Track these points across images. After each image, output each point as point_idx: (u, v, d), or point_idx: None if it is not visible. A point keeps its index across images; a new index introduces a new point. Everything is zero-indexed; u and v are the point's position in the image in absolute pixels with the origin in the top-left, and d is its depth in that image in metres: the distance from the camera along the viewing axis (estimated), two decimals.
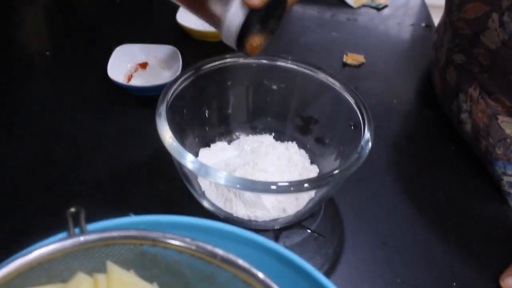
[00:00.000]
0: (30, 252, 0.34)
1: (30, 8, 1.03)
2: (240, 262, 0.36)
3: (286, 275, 0.39)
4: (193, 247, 0.37)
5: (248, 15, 0.48)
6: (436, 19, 1.10)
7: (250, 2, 0.47)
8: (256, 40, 0.50)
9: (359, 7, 1.14)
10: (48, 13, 1.04)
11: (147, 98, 0.77)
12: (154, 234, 0.37)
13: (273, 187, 0.48)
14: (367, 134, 0.55)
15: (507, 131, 0.67)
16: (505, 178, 0.68)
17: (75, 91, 0.80)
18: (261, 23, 0.49)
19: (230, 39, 0.50)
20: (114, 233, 0.37)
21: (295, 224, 0.61)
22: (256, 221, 0.58)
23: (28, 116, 0.74)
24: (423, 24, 1.10)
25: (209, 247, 0.37)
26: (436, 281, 0.57)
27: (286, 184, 0.49)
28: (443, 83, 0.80)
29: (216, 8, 0.49)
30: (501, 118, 0.68)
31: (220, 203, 0.59)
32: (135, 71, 0.82)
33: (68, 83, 0.82)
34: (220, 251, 0.37)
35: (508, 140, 0.67)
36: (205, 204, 0.59)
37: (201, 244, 0.37)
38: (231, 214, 0.58)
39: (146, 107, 0.76)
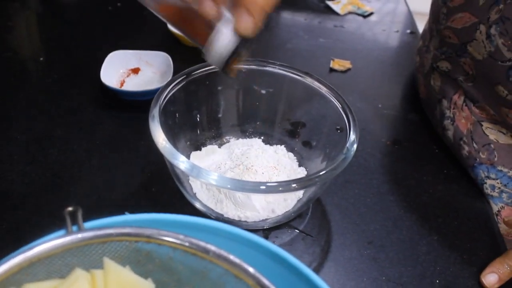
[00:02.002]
0: (31, 248, 0.36)
1: (23, 14, 1.04)
2: (232, 257, 0.38)
3: (276, 271, 0.41)
4: (187, 244, 0.39)
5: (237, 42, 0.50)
6: (420, 25, 1.12)
7: (244, 32, 0.49)
8: (238, 63, 0.53)
9: (345, 14, 1.16)
10: (40, 19, 1.05)
11: (139, 102, 0.79)
12: (148, 231, 0.39)
13: (263, 187, 0.50)
14: (352, 136, 0.57)
15: (491, 137, 0.69)
16: (488, 182, 0.70)
17: (69, 96, 0.81)
18: (245, 48, 0.52)
19: (217, 62, 0.52)
20: (111, 230, 0.38)
21: (283, 224, 0.63)
22: (246, 221, 0.60)
23: (23, 120, 0.75)
24: (408, 31, 1.12)
25: (202, 243, 0.38)
26: (420, 278, 0.59)
27: (275, 184, 0.50)
28: (427, 88, 0.82)
29: (202, 29, 0.51)
30: (485, 124, 0.70)
31: (211, 204, 0.61)
32: (128, 76, 0.84)
33: (62, 87, 0.83)
34: (212, 247, 0.38)
35: (492, 146, 0.69)
36: (197, 205, 0.61)
37: (194, 240, 0.38)
38: (222, 215, 0.60)
39: (138, 111, 0.77)
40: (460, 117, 0.73)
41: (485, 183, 0.70)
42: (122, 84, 0.82)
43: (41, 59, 0.91)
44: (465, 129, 0.72)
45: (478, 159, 0.70)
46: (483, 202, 0.70)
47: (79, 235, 0.38)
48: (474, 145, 0.71)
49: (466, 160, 0.73)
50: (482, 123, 0.70)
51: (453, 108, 0.74)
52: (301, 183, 0.51)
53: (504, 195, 0.69)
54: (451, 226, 0.66)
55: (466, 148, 0.72)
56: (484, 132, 0.70)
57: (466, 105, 0.72)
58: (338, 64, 0.96)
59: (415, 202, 0.69)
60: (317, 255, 0.60)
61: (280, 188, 0.50)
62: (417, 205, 0.68)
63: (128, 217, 0.42)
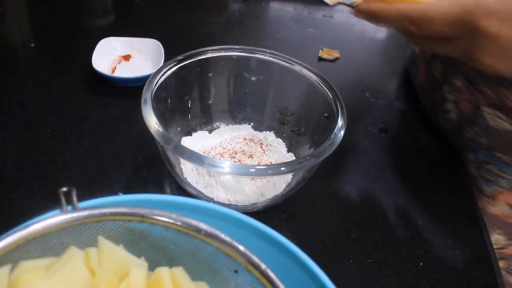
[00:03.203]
0: (27, 226, 0.37)
1: (13, 1, 1.04)
2: (223, 236, 0.39)
3: (265, 249, 0.42)
4: (179, 223, 0.39)
5: None
6: None
7: None
8: None
9: (335, 5, 1.18)
10: (30, 6, 1.05)
11: (131, 89, 0.80)
12: (142, 211, 0.39)
13: (252, 170, 0.51)
14: (340, 122, 0.58)
15: (490, 122, 0.69)
16: (487, 167, 0.71)
17: (61, 82, 0.82)
18: None
19: None
20: (105, 210, 0.39)
21: (272, 207, 0.64)
22: (236, 205, 0.61)
23: (15, 106, 0.75)
24: None
25: (194, 222, 0.39)
26: (405, 261, 0.60)
27: (264, 167, 0.52)
28: (428, 74, 0.82)
29: None
30: (485, 109, 0.69)
31: (201, 188, 0.62)
32: (119, 63, 0.84)
33: (54, 73, 0.84)
34: (204, 226, 0.39)
35: (490, 130, 0.69)
36: (187, 189, 0.62)
37: (186, 219, 0.39)
38: (212, 199, 0.61)
39: (129, 98, 0.78)
40: (462, 99, 0.73)
41: (482, 167, 0.71)
42: (113, 71, 0.83)
43: (32, 45, 0.91)
44: (468, 111, 0.72)
45: (478, 143, 0.71)
46: (465, 186, 0.72)
47: (74, 214, 0.38)
48: (476, 128, 0.71)
49: (468, 142, 0.73)
50: (483, 107, 0.70)
51: (456, 91, 0.74)
52: (289, 166, 0.52)
53: (501, 180, 0.71)
54: (435, 212, 0.68)
55: (469, 129, 0.72)
56: (483, 116, 0.70)
57: (467, 88, 0.72)
58: (327, 53, 0.97)
59: (400, 188, 0.70)
60: (305, 238, 0.61)
61: (269, 171, 0.51)
62: (403, 191, 0.70)
63: (122, 197, 0.43)
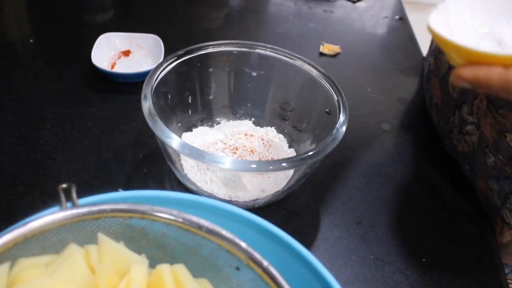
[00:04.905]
0: (26, 223, 0.36)
1: None
2: (224, 232, 0.39)
3: (267, 246, 0.42)
4: (180, 220, 0.39)
5: None
6: (410, 14, 1.13)
7: None
8: None
9: (335, 0, 1.17)
10: (29, 1, 1.04)
11: (130, 84, 0.79)
12: (142, 207, 0.39)
13: (253, 165, 0.51)
14: (342, 118, 0.58)
15: None
16: None
17: (60, 77, 0.81)
18: None
19: None
20: (105, 206, 0.39)
21: (273, 204, 0.64)
22: (237, 201, 0.61)
23: (14, 102, 0.75)
24: (397, 17, 1.13)
25: (195, 219, 0.39)
26: (407, 257, 0.60)
27: (266, 163, 0.51)
28: (443, 94, 0.75)
29: None
30: (509, 136, 0.62)
31: (202, 184, 0.61)
32: (118, 58, 0.84)
33: (53, 69, 0.83)
34: (205, 223, 0.39)
35: None
36: (188, 185, 0.61)
37: (187, 216, 0.39)
38: (213, 195, 0.61)
39: (129, 94, 0.78)
40: (486, 124, 0.65)
41: (510, 197, 0.64)
42: (113, 66, 0.82)
43: (31, 41, 0.91)
44: (490, 137, 0.65)
45: (504, 172, 0.63)
46: (467, 187, 0.71)
47: (74, 211, 0.38)
48: (500, 156, 0.63)
49: (490, 169, 0.66)
50: (507, 134, 0.62)
51: (476, 114, 0.67)
52: (291, 162, 0.52)
53: None
54: (436, 208, 0.67)
55: (492, 157, 0.65)
56: (509, 144, 0.62)
57: (489, 111, 0.64)
58: (328, 48, 0.96)
59: (402, 184, 0.70)
60: (307, 235, 0.61)
61: (271, 167, 0.51)
62: (405, 187, 0.69)
63: (122, 193, 0.43)
